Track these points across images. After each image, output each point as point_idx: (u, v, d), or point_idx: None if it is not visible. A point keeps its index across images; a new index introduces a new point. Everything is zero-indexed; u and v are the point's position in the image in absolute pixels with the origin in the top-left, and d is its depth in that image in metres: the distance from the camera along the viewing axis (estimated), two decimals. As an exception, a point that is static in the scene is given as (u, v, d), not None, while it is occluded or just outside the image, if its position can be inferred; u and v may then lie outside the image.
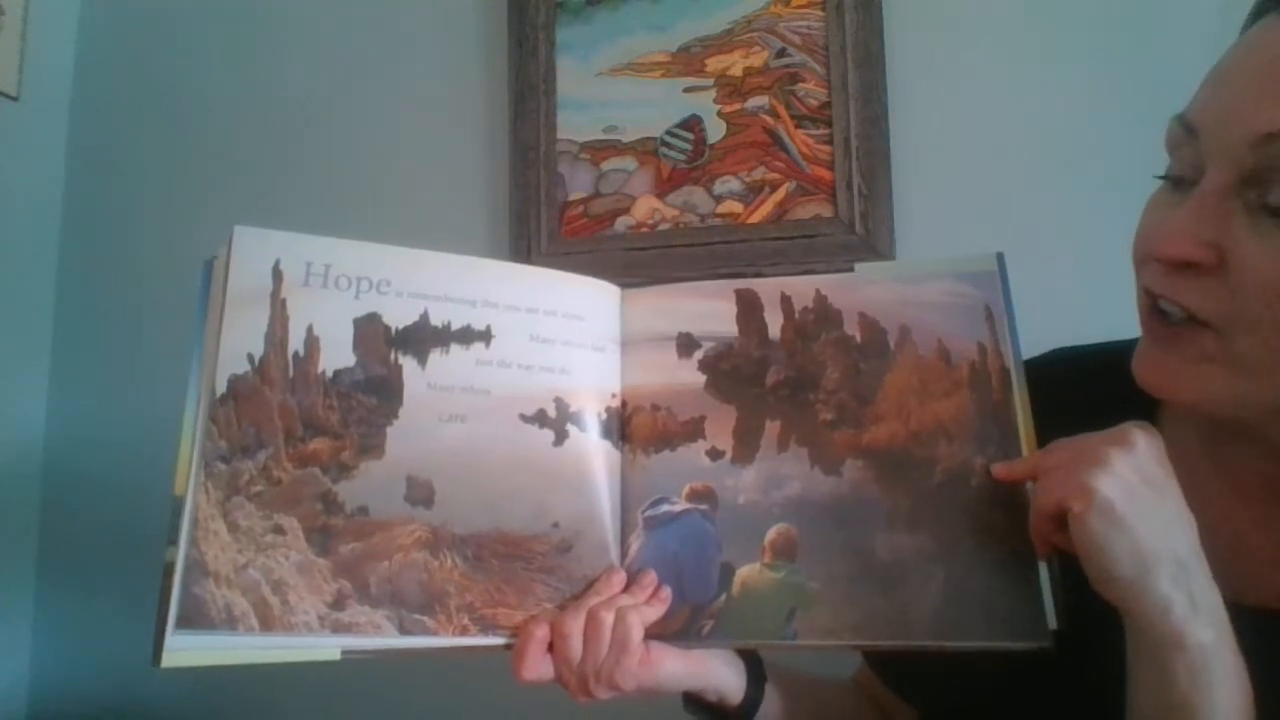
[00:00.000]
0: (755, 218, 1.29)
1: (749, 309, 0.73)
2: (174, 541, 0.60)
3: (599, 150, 1.37)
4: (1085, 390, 0.68)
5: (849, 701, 0.86)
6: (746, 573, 0.67)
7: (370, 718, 1.37)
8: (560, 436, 0.69)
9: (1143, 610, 0.53)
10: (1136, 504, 0.53)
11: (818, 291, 0.72)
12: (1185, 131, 0.57)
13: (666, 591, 0.67)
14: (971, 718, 0.71)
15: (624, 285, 0.75)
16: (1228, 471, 0.65)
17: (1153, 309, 0.59)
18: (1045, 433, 0.63)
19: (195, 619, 0.59)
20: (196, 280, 0.66)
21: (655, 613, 0.65)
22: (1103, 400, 0.64)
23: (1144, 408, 0.64)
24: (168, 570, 0.60)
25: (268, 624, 0.60)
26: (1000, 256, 0.70)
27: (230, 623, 0.60)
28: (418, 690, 1.35)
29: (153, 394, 1.49)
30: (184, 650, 0.59)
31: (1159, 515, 0.54)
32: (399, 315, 0.67)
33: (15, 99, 1.53)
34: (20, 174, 1.56)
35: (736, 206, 1.30)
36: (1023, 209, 1.18)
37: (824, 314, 0.72)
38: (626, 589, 0.66)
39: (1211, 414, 0.60)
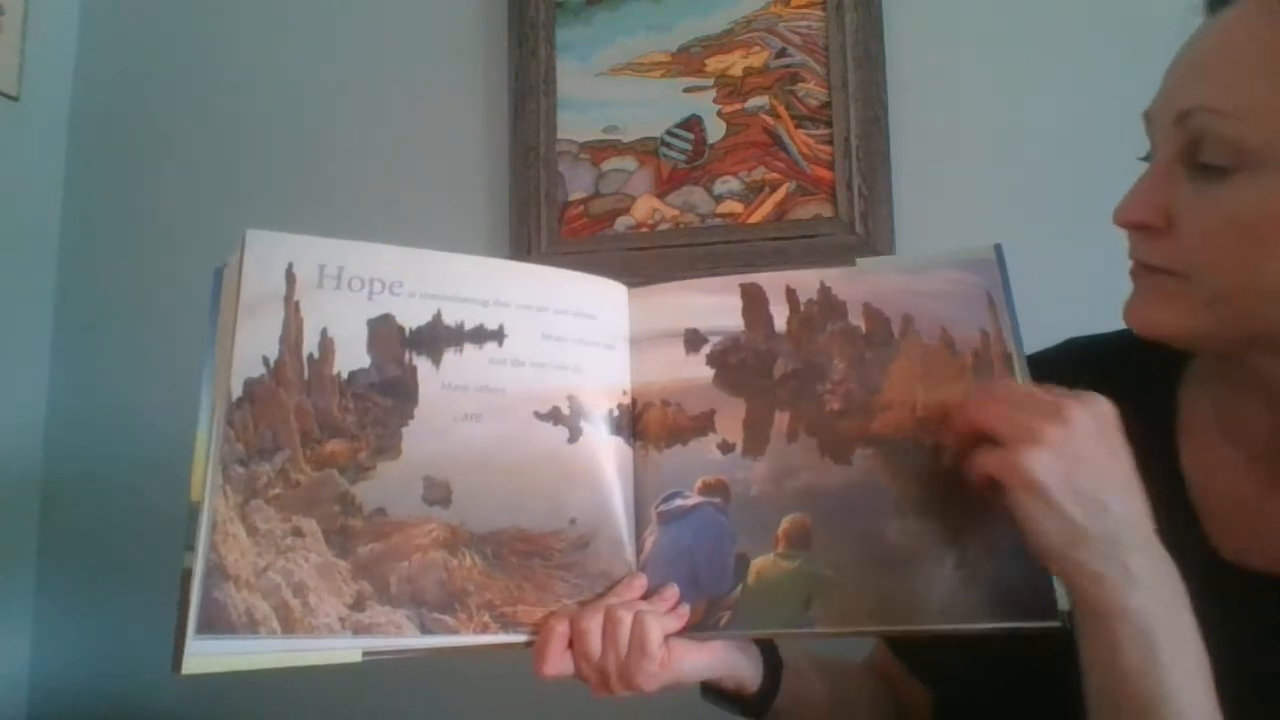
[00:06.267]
0: (755, 218, 1.30)
1: (754, 303, 0.73)
2: (192, 547, 0.60)
3: (599, 150, 1.37)
4: (1100, 376, 0.69)
5: (863, 685, 0.87)
6: (761, 563, 0.68)
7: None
8: (574, 434, 0.69)
9: (1075, 581, 0.57)
10: (1068, 483, 0.55)
11: (821, 283, 0.73)
12: (1147, 122, 0.66)
13: (685, 608, 0.67)
14: (988, 699, 0.72)
15: (627, 284, 0.76)
16: (1237, 436, 0.68)
17: (1135, 263, 0.67)
18: None
19: (216, 623, 0.59)
20: (205, 286, 0.66)
21: (674, 624, 0.66)
22: (1117, 385, 0.66)
23: (1157, 390, 0.71)
24: (186, 576, 0.59)
25: (289, 626, 0.60)
26: (998, 247, 0.71)
27: (252, 626, 0.59)
28: (411, 696, 1.35)
29: (152, 394, 1.49)
30: (205, 655, 0.58)
31: (1092, 493, 0.55)
32: (412, 316, 0.67)
33: (15, 99, 1.53)
34: (20, 174, 1.56)
35: (736, 206, 1.31)
36: (1023, 208, 1.18)
37: (828, 305, 0.72)
38: (646, 596, 0.67)
39: (1192, 347, 0.67)
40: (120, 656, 1.48)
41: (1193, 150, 0.59)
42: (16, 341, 1.55)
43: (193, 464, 0.62)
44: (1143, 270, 0.65)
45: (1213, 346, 0.65)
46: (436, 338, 0.68)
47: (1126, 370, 0.70)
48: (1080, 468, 0.55)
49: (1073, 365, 0.70)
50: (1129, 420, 0.65)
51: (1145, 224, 0.62)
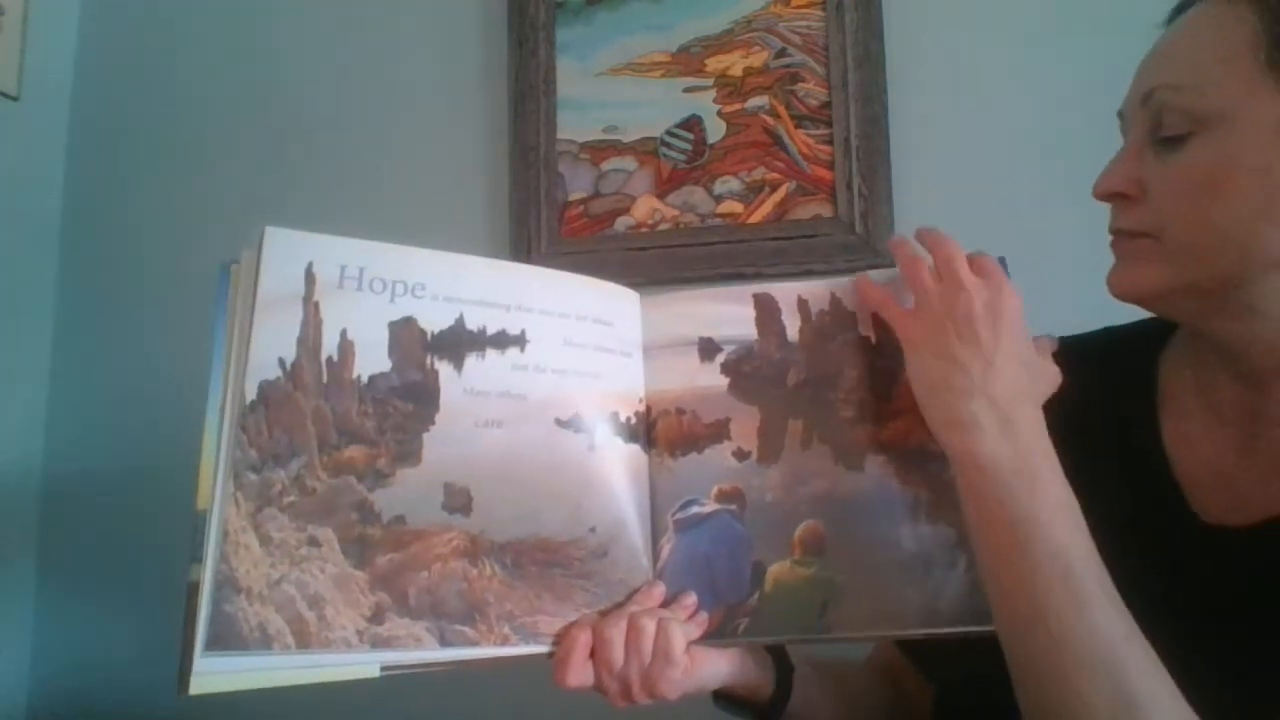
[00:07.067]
0: (755, 218, 1.30)
1: (767, 313, 0.74)
2: (199, 559, 0.57)
3: (599, 150, 1.37)
4: (1086, 365, 0.73)
5: (862, 682, 0.88)
6: (778, 570, 0.69)
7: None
8: (594, 441, 0.69)
9: (932, 423, 0.65)
10: (934, 345, 0.65)
11: (832, 294, 0.74)
12: (1121, 120, 0.73)
13: (704, 616, 0.68)
14: (995, 699, 0.73)
15: (630, 286, 0.76)
16: (1213, 406, 0.72)
17: (1114, 234, 0.73)
18: (1050, 413, 0.66)
19: (226, 639, 0.56)
20: (206, 286, 0.63)
21: (695, 631, 0.66)
22: (1101, 372, 0.75)
23: (1139, 372, 0.77)
24: (192, 589, 0.56)
25: (304, 641, 0.58)
26: (1002, 260, 0.72)
27: (265, 642, 0.57)
28: (426, 699, 1.35)
29: (153, 394, 1.48)
30: (214, 674, 0.56)
31: (954, 356, 0.64)
32: (435, 319, 0.66)
33: (15, 99, 1.51)
34: (20, 174, 1.54)
35: (736, 206, 1.31)
36: (1022, 208, 1.19)
37: (839, 316, 0.73)
38: (665, 604, 0.68)
39: (1164, 309, 0.71)
40: (120, 656, 1.46)
41: (1156, 127, 0.66)
42: (16, 341, 1.53)
43: (199, 471, 0.59)
44: (1121, 239, 0.70)
45: (1182, 306, 0.69)
46: (459, 342, 0.66)
47: (1109, 357, 0.78)
48: (951, 337, 0.64)
49: (1063, 361, 0.72)
50: (1113, 401, 0.75)
51: (1120, 193, 0.69)
